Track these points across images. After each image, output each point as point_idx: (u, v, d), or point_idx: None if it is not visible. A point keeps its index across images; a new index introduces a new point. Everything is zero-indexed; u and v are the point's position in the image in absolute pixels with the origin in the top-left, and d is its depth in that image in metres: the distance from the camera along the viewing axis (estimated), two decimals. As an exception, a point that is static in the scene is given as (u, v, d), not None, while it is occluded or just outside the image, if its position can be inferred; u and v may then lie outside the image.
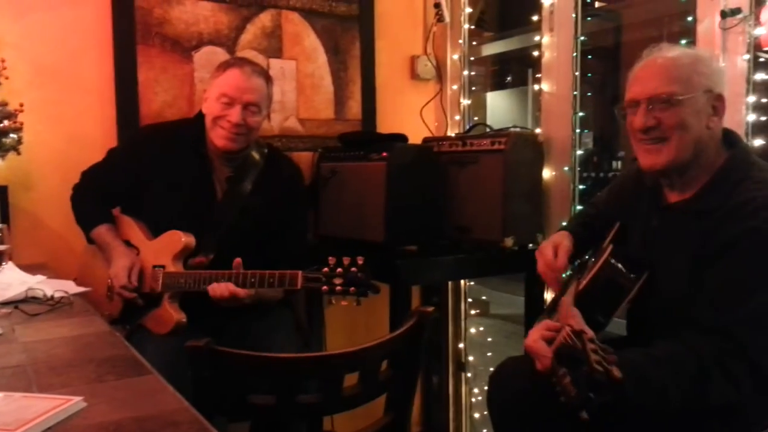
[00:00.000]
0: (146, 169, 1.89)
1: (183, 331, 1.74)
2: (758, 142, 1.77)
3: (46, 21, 2.10)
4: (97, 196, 1.95)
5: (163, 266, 1.79)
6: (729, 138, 1.43)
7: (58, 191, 2.02)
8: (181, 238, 1.78)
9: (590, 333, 1.12)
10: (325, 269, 1.55)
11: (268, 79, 1.91)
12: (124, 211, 1.95)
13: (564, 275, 1.74)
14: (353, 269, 1.53)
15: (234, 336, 1.81)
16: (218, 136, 1.83)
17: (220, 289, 1.67)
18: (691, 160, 1.37)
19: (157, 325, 1.78)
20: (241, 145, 1.86)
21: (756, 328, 1.22)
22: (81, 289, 1.58)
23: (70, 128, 2.14)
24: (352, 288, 1.53)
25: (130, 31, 2.17)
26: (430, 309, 1.17)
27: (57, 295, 1.50)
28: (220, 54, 2.32)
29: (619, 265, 1.43)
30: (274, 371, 1.04)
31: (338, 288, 1.53)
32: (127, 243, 1.88)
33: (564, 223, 2.22)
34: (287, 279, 1.60)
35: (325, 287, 1.54)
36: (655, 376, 1.21)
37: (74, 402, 0.79)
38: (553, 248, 1.62)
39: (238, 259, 1.69)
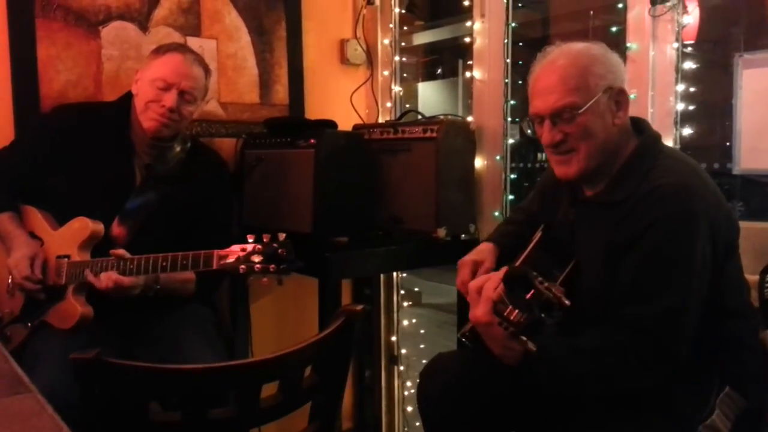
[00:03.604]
0: (59, 151, 1.74)
1: (88, 326, 1.60)
2: (687, 131, 1.78)
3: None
4: (1, 182, 1.77)
5: (68, 256, 1.64)
6: (638, 125, 1.43)
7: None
8: (88, 225, 1.64)
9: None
10: (244, 246, 1.42)
11: (207, 71, 1.82)
12: (30, 200, 1.78)
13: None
14: (274, 245, 1.41)
15: (146, 336, 1.70)
16: (148, 119, 1.72)
17: (104, 278, 1.53)
18: (603, 162, 1.37)
19: (60, 321, 1.63)
20: (170, 132, 1.76)
21: (669, 319, 1.24)
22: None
23: (-43, 109, 1.91)
24: (272, 266, 1.39)
25: (27, 3, 1.95)
26: (359, 307, 1.07)
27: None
28: (131, 30, 2.13)
29: (545, 254, 1.47)
30: (178, 385, 0.92)
31: (257, 266, 1.39)
32: (31, 235, 1.72)
33: (498, 214, 2.20)
34: (201, 260, 1.48)
35: (243, 266, 1.40)
36: (573, 366, 1.25)
37: None
38: (473, 267, 1.60)
39: (121, 251, 1.56)
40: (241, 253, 1.41)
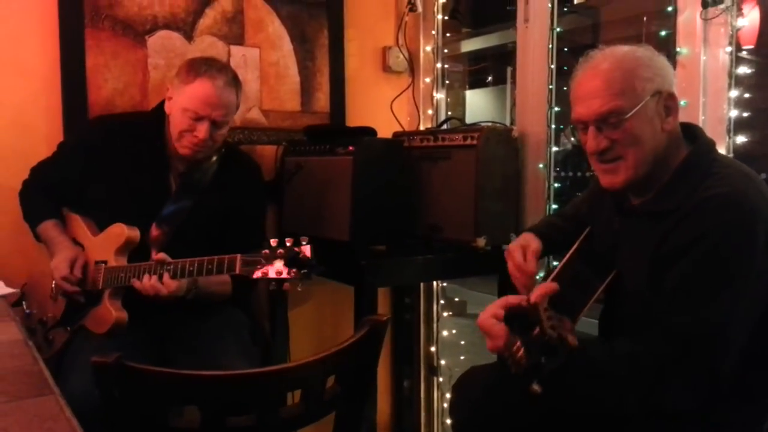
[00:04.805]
0: (97, 162, 1.78)
1: (123, 331, 1.62)
2: (741, 139, 1.69)
3: (-16, 1, 1.94)
4: (45, 191, 1.84)
5: (105, 261, 1.67)
6: (690, 132, 1.35)
7: (-1, 184, 1.88)
8: (123, 231, 1.67)
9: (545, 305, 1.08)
10: (266, 251, 1.42)
11: (239, 87, 1.78)
12: (73, 207, 1.83)
13: (538, 277, 1.68)
14: (295, 250, 1.40)
15: (181, 340, 1.71)
16: (182, 147, 1.73)
17: (146, 282, 1.55)
18: (652, 170, 1.30)
19: (96, 325, 1.66)
20: (205, 155, 1.78)
21: (714, 333, 1.16)
22: (7, 290, 1.43)
23: (12, 116, 1.98)
24: (294, 270, 1.39)
25: (77, 13, 2.01)
26: (384, 317, 1.05)
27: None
28: (176, 39, 2.18)
29: (585, 264, 1.40)
30: (198, 391, 0.91)
31: (278, 270, 1.39)
32: (74, 241, 1.77)
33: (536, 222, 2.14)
34: (225, 264, 1.48)
35: (264, 270, 1.40)
36: (610, 375, 1.17)
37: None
38: (522, 250, 1.54)
39: (161, 254, 1.58)
40: (264, 258, 1.41)
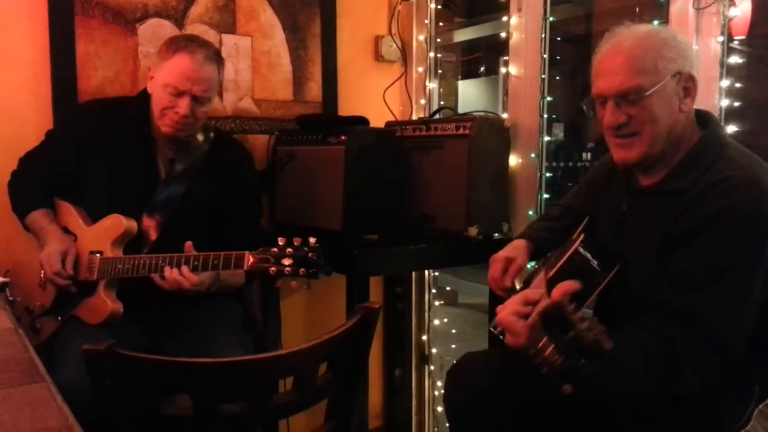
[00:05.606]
0: (86, 148, 1.76)
1: (118, 322, 1.62)
2: (732, 128, 1.70)
3: (-29, -13, 1.92)
4: (34, 180, 1.81)
5: (100, 252, 1.66)
6: (702, 118, 1.37)
7: (-15, 173, 1.85)
8: (122, 222, 1.66)
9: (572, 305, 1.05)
10: (274, 249, 1.43)
11: (220, 63, 1.76)
12: (62, 196, 1.81)
13: (530, 266, 1.69)
14: (304, 249, 1.42)
15: (173, 329, 1.71)
16: (164, 125, 1.71)
17: (168, 275, 1.55)
18: (665, 149, 1.30)
19: (90, 315, 1.65)
20: (187, 133, 1.75)
21: (725, 312, 1.16)
22: (-2, 279, 1.43)
23: (0, 106, 1.95)
24: (302, 269, 1.41)
25: (67, 1, 1.99)
26: (377, 305, 1.05)
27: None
28: (167, 27, 2.16)
29: (589, 256, 1.38)
30: (189, 379, 0.92)
31: (287, 269, 1.41)
32: (65, 230, 1.75)
33: (532, 213, 2.15)
34: (233, 260, 1.49)
35: (273, 268, 1.42)
36: (627, 365, 1.15)
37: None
38: (505, 264, 1.57)
39: (189, 243, 1.58)
40: (272, 256, 1.42)
